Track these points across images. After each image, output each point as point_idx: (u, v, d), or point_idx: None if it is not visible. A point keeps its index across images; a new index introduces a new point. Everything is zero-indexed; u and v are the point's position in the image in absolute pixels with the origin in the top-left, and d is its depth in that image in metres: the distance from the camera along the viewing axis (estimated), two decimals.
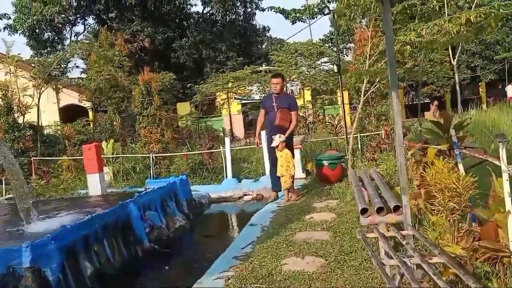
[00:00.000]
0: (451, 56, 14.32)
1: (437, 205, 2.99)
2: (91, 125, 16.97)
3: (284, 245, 4.50)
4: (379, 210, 3.16)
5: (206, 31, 22.20)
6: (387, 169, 5.97)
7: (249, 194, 8.04)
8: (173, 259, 5.38)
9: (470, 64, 22.57)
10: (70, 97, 19.63)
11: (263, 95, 16.57)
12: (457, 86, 14.84)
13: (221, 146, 8.77)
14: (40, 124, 12.10)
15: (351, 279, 3.47)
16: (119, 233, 5.29)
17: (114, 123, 17.28)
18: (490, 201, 2.83)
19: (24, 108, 10.37)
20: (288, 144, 6.68)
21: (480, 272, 2.75)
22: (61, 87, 14.58)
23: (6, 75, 10.95)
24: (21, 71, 11.98)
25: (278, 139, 6.45)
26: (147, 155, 8.85)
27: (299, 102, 15.89)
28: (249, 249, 4.56)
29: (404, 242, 2.65)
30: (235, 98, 19.47)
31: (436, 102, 19.20)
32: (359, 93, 7.59)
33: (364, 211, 3.44)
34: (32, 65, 12.25)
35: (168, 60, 20.99)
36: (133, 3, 18.42)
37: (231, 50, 21.94)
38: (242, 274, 3.81)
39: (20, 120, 10.44)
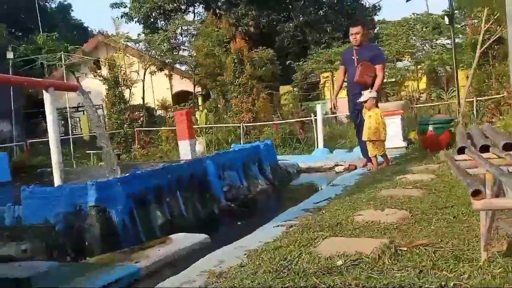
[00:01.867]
0: None
1: None
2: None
3: (364, 200, 3.87)
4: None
5: (311, 13, 21.55)
6: (505, 125, 4.86)
7: (340, 165, 7.39)
8: (248, 217, 5.07)
9: None
10: (182, 84, 20.76)
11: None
12: None
13: (312, 115, 8.22)
14: (143, 97, 12.80)
15: (440, 231, 2.74)
16: (194, 188, 5.14)
17: (219, 105, 17.72)
18: None
19: (130, 82, 11.03)
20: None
21: None
22: (179, 73, 15.36)
23: (116, 53, 11.79)
24: (130, 53, 12.80)
25: (368, 93, 5.39)
26: (238, 125, 8.70)
27: (412, 84, 14.36)
28: (323, 203, 4.04)
29: None
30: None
31: None
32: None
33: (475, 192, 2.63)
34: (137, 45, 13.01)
35: (272, 44, 20.84)
36: None
37: (337, 31, 20.96)
38: (307, 223, 3.31)
39: (127, 94, 11.15)
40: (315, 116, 8.12)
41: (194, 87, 15.79)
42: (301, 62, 15.81)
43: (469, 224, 2.82)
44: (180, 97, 21.28)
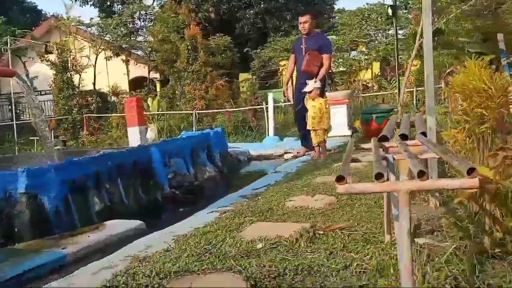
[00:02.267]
0: None
1: (461, 114, 2.29)
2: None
3: (299, 187, 4.00)
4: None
5: (271, 0, 21.56)
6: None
7: (290, 152, 7.54)
8: (190, 203, 5.10)
9: None
10: (139, 70, 20.29)
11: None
12: None
13: (263, 103, 8.31)
14: (94, 83, 12.49)
15: (359, 216, 2.89)
16: (137, 175, 5.11)
17: (176, 92, 17.52)
18: None
19: (80, 68, 10.71)
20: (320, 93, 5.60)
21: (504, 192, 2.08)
22: (134, 59, 14.99)
23: (66, 37, 11.39)
24: (82, 38, 12.39)
25: (312, 83, 5.39)
26: (190, 112, 8.66)
27: (365, 74, 14.70)
28: (262, 190, 4.14)
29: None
30: None
31: None
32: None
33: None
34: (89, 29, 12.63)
35: (232, 31, 20.73)
36: None
37: (296, 19, 21.10)
38: (240, 208, 3.40)
39: (76, 79, 10.83)
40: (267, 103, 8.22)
41: (149, 73, 15.53)
42: (259, 50, 15.82)
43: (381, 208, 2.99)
44: (138, 83, 20.82)
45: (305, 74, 5.63)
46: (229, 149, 7.39)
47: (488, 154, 2.30)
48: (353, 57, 13.75)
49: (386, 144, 2.31)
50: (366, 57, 13.69)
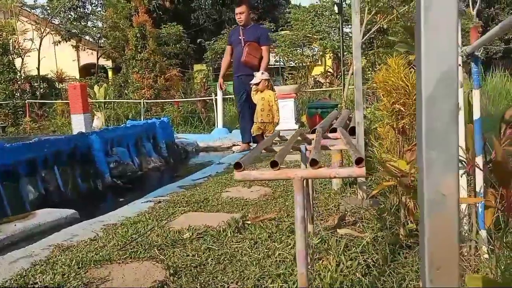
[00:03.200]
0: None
1: (382, 110, 2.41)
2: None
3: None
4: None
5: None
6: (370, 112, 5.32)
7: (238, 145, 7.57)
8: (131, 193, 5.02)
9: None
10: (90, 57, 19.57)
11: (279, 59, 15.67)
12: None
13: (213, 94, 8.28)
14: (38, 68, 11.96)
15: (291, 207, 2.97)
16: (76, 163, 4.98)
17: (128, 80, 17.08)
18: None
19: (21, 51, 10.19)
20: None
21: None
22: (82, 44, 14.42)
23: (8, 18, 10.80)
24: (26, 20, 11.79)
25: (260, 75, 5.21)
26: (138, 101, 8.48)
27: (319, 70, 14.98)
28: (201, 181, 4.14)
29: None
30: None
31: None
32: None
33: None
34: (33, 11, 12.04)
35: (187, 21, 20.42)
36: None
37: (252, 12, 21.15)
38: (176, 199, 3.40)
39: (18, 63, 10.31)
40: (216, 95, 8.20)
41: (97, 59, 15.04)
42: (213, 42, 15.72)
43: (317, 201, 3.09)
44: (89, 70, 20.11)
45: (245, 65, 5.51)
46: (176, 140, 7.33)
47: (405, 149, 2.44)
48: (305, 53, 13.97)
49: (310, 136, 2.40)
50: (318, 53, 13.96)
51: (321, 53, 13.75)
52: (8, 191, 4.02)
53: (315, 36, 13.64)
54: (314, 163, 1.21)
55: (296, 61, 13.63)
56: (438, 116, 0.78)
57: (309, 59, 13.57)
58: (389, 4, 5.80)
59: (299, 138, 2.27)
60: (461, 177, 2.08)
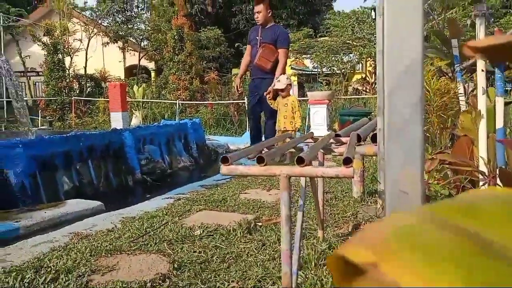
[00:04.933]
0: None
1: None
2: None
3: (259, 181, 4.08)
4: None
5: None
6: None
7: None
8: (159, 190, 5.17)
9: None
10: (134, 57, 20.25)
11: (317, 65, 15.56)
12: None
13: (245, 98, 8.37)
14: (85, 67, 12.52)
15: (306, 211, 2.98)
16: (109, 158, 5.19)
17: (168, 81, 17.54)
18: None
19: (70, 50, 10.73)
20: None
21: (435, 194, 2.18)
22: (127, 46, 15.00)
23: (60, 19, 11.40)
24: (77, 21, 12.40)
25: (285, 80, 4.85)
26: (174, 102, 8.71)
27: (359, 77, 14.73)
28: (223, 181, 4.22)
29: None
30: (292, 68, 18.86)
31: None
32: None
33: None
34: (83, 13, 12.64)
35: (228, 25, 20.75)
36: None
37: (292, 18, 21.15)
38: (195, 197, 3.48)
39: (67, 62, 10.85)
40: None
41: (139, 60, 15.56)
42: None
43: (336, 208, 3.08)
44: (133, 71, 20.80)
45: (257, 69, 5.25)
46: (207, 141, 7.46)
47: (426, 158, 2.40)
48: (343, 59, 13.82)
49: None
50: (354, 59, 13.78)
51: (357, 60, 13.57)
52: (45, 180, 4.25)
53: (354, 43, 13.48)
54: (300, 161, 1.24)
55: (333, 68, 13.53)
56: (400, 109, 0.79)
57: (346, 66, 13.42)
58: (427, 9, 5.66)
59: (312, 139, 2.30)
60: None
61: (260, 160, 1.27)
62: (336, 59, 13.30)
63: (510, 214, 0.20)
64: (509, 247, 0.18)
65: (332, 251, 2.20)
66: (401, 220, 0.21)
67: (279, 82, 4.94)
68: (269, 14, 5.32)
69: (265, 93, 4.93)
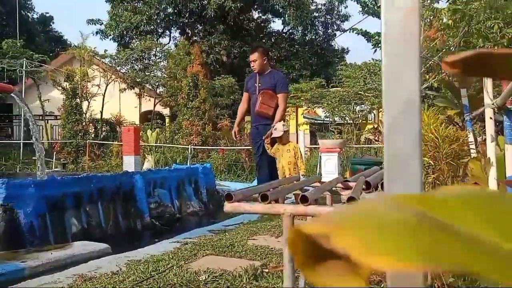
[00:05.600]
0: None
1: None
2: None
3: (268, 227, 4.04)
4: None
5: (282, 49, 22.25)
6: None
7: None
8: (167, 235, 5.12)
9: None
10: (149, 103, 20.80)
11: (329, 114, 15.78)
12: None
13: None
14: (102, 111, 12.85)
15: None
16: (118, 201, 5.20)
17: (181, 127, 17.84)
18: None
19: (88, 95, 11.08)
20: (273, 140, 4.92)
21: None
22: (143, 92, 15.50)
23: (80, 66, 11.90)
24: (97, 68, 12.92)
25: (281, 127, 4.69)
26: (186, 147, 8.82)
27: (371, 127, 14.85)
28: (232, 227, 4.18)
29: None
30: (304, 117, 19.08)
31: None
32: None
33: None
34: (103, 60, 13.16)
35: (242, 74, 21.36)
36: (212, 16, 19.10)
37: (305, 69, 21.69)
38: (203, 242, 3.44)
39: (84, 106, 11.18)
40: None
41: (154, 106, 15.97)
42: None
43: None
44: (148, 117, 21.29)
45: (259, 116, 5.12)
46: (218, 186, 7.45)
47: None
48: (355, 109, 13.99)
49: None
50: (366, 110, 13.95)
51: (368, 110, 13.72)
52: (53, 221, 4.25)
53: (366, 94, 13.67)
54: (304, 200, 1.23)
55: (345, 117, 13.68)
56: (399, 145, 0.80)
57: (357, 115, 13.57)
58: (438, 62, 5.77)
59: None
60: None
61: (264, 198, 1.27)
62: (348, 108, 13.47)
63: (470, 203, 0.21)
64: (463, 230, 0.18)
65: None
66: (364, 204, 0.22)
67: (276, 130, 4.74)
68: (265, 62, 5.23)
69: (263, 137, 4.84)
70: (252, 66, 5.23)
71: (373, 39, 23.59)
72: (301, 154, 4.90)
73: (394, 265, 0.17)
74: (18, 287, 2.38)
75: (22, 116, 13.90)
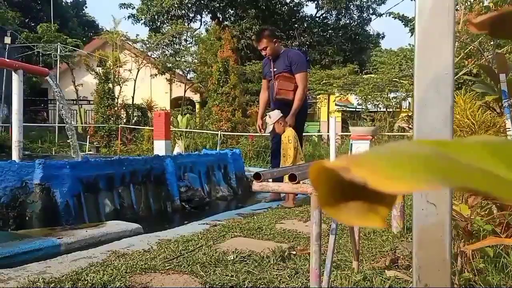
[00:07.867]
0: None
1: None
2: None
3: (297, 212, 4.05)
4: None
5: (314, 34, 21.91)
6: None
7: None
8: (196, 218, 5.22)
9: None
10: (179, 89, 21.03)
11: (362, 102, 15.49)
12: None
13: None
14: (133, 96, 13.10)
15: (343, 243, 2.92)
16: (149, 183, 5.32)
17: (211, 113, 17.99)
18: None
19: (120, 79, 11.32)
20: (298, 121, 4.63)
21: (478, 230, 2.08)
22: (174, 77, 15.71)
23: (113, 50, 12.14)
24: (129, 53, 13.15)
25: (275, 115, 4.37)
26: (216, 132, 8.89)
27: (401, 115, 14.51)
28: (260, 211, 4.21)
29: None
30: (336, 105, 18.82)
31: None
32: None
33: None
34: (134, 45, 13.36)
35: None
36: (245, 0, 18.99)
37: (338, 55, 21.30)
38: (231, 224, 3.49)
39: (116, 91, 11.44)
40: None
41: (185, 92, 16.13)
42: None
43: (374, 242, 2.99)
44: (179, 102, 21.58)
45: (279, 102, 4.77)
46: (247, 172, 7.50)
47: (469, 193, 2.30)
48: (388, 96, 13.67)
49: None
50: (399, 97, 13.62)
51: (403, 97, 13.39)
52: (88, 201, 4.41)
53: (402, 81, 13.32)
54: None
55: (378, 105, 13.42)
56: (430, 119, 0.79)
57: (391, 103, 13.27)
58: (481, 47, 5.54)
59: None
60: None
61: (292, 178, 1.28)
62: (382, 96, 13.18)
63: (489, 146, 0.21)
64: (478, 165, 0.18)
65: (366, 283, 2.13)
66: (383, 146, 0.23)
67: (268, 124, 4.50)
68: (276, 44, 4.91)
69: (259, 130, 4.72)
70: (265, 54, 4.92)
71: (410, 23, 22.92)
72: (289, 142, 4.38)
73: (410, 188, 0.17)
74: (55, 260, 2.48)
75: (57, 100, 14.40)
